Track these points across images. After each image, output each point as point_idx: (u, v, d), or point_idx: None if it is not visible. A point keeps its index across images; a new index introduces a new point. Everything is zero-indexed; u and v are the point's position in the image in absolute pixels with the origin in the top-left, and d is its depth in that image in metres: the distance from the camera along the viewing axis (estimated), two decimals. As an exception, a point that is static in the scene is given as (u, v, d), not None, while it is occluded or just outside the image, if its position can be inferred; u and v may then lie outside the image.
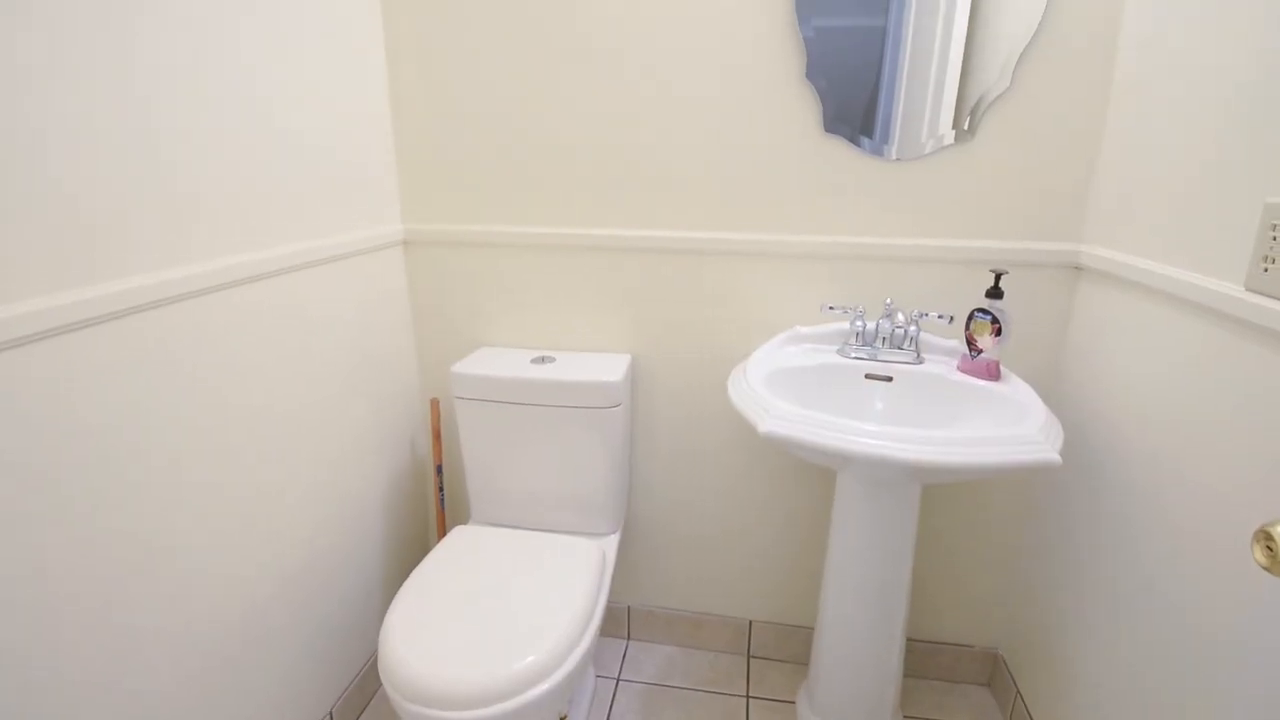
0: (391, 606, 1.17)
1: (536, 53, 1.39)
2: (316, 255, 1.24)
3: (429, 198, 1.53)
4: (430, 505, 1.78)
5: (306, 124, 1.21)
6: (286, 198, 1.17)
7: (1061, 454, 1.01)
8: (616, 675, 1.65)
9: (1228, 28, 0.94)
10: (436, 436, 1.62)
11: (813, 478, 1.55)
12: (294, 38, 1.16)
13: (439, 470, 1.64)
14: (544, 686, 1.04)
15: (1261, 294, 0.84)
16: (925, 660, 1.62)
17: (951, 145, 1.29)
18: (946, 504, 1.52)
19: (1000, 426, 1.11)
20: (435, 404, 1.61)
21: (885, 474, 1.13)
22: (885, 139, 1.31)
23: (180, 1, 0.93)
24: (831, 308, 1.34)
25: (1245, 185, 0.89)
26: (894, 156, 1.32)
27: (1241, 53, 0.91)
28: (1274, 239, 0.83)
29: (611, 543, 1.48)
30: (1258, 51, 0.88)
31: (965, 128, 1.28)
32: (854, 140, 1.32)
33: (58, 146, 0.78)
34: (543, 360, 1.47)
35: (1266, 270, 0.84)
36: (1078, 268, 1.31)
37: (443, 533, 1.67)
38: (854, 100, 1.30)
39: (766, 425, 1.05)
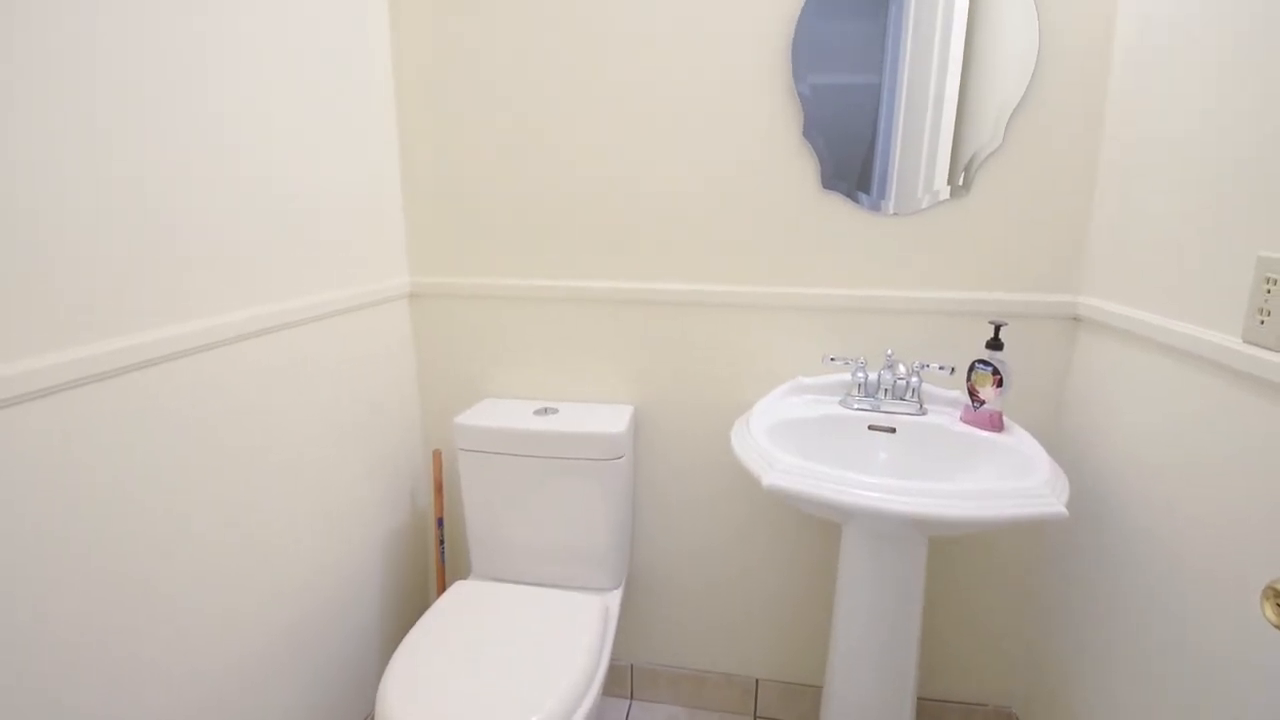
0: (390, 663, 1.14)
1: (542, 111, 1.44)
2: (325, 309, 1.26)
3: (436, 251, 1.56)
4: (430, 558, 1.75)
5: (320, 182, 1.24)
6: (297, 253, 1.19)
7: (1068, 505, 1.01)
8: (619, 737, 1.61)
9: (1216, 83, 0.97)
10: (438, 489, 1.61)
11: (819, 529, 1.54)
12: (307, 97, 1.21)
13: (440, 523, 1.62)
14: (545, 749, 1.01)
15: (1259, 346, 0.85)
16: (937, 721, 1.57)
17: (947, 200, 1.32)
18: (955, 555, 1.50)
19: (1005, 479, 1.11)
20: (438, 455, 1.61)
21: (891, 527, 1.12)
22: (882, 194, 1.34)
23: (186, 59, 0.97)
24: (833, 359, 1.35)
25: (1237, 238, 0.91)
26: (891, 211, 1.34)
27: (1230, 107, 0.94)
28: (1268, 292, 0.84)
29: (614, 598, 1.46)
30: (1246, 106, 0.91)
31: (960, 183, 1.31)
32: (852, 196, 1.35)
33: (66, 211, 0.80)
34: (546, 412, 1.48)
35: (1263, 323, 0.85)
36: (1076, 319, 1.32)
37: (442, 587, 1.64)
38: (851, 157, 1.33)
39: (770, 479, 1.05)
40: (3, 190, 0.73)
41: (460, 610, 1.30)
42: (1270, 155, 0.85)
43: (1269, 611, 0.62)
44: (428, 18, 1.44)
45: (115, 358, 0.85)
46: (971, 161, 1.29)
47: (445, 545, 1.70)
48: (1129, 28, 1.18)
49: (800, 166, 1.37)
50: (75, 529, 0.82)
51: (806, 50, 1.30)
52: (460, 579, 1.63)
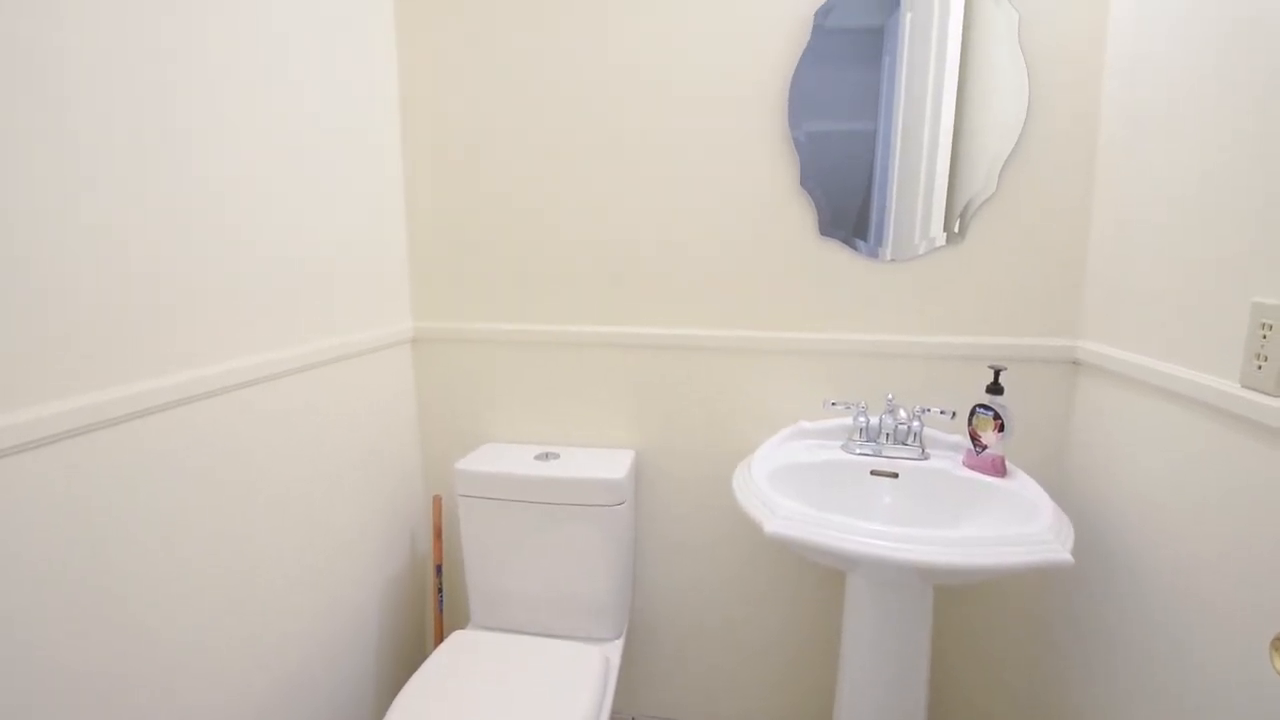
0: (387, 716, 1.12)
1: (545, 157, 1.47)
2: (328, 355, 1.27)
3: (438, 296, 1.58)
4: (428, 606, 1.73)
5: (327, 230, 1.26)
6: (302, 301, 1.21)
7: (1073, 549, 1.00)
8: (620, 794, 1.56)
9: (1205, 132, 0.99)
10: (437, 535, 1.60)
11: (823, 573, 1.52)
12: (314, 147, 1.24)
13: (439, 570, 1.60)
14: (543, 808, 0.98)
15: (1257, 391, 0.85)
16: (948, 777, 1.53)
17: (944, 246, 1.34)
18: (962, 594, 1.47)
19: (1010, 525, 1.10)
20: (438, 501, 1.60)
21: (896, 576, 1.11)
22: (879, 241, 1.36)
23: (194, 106, 1.00)
24: (834, 403, 1.35)
25: (1233, 283, 0.92)
26: (889, 258, 1.36)
27: (1220, 157, 0.96)
28: (1264, 337, 0.85)
29: (615, 648, 1.43)
30: (1237, 153, 0.93)
31: (955, 230, 1.33)
32: (849, 243, 1.37)
33: (66, 265, 0.82)
34: (547, 457, 1.47)
35: (1260, 368, 0.85)
36: (1075, 363, 1.33)
37: (440, 636, 1.62)
38: (848, 205, 1.36)
39: (772, 526, 1.04)
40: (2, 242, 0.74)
41: (458, 661, 1.27)
42: (1263, 202, 0.87)
43: (1278, 663, 0.61)
44: (433, 70, 1.49)
45: (112, 406, 0.85)
46: (966, 209, 1.32)
47: (444, 593, 1.68)
48: (1117, 81, 1.21)
49: (798, 214, 1.39)
50: (75, 573, 0.81)
51: (803, 99, 1.34)
52: (459, 628, 1.61)
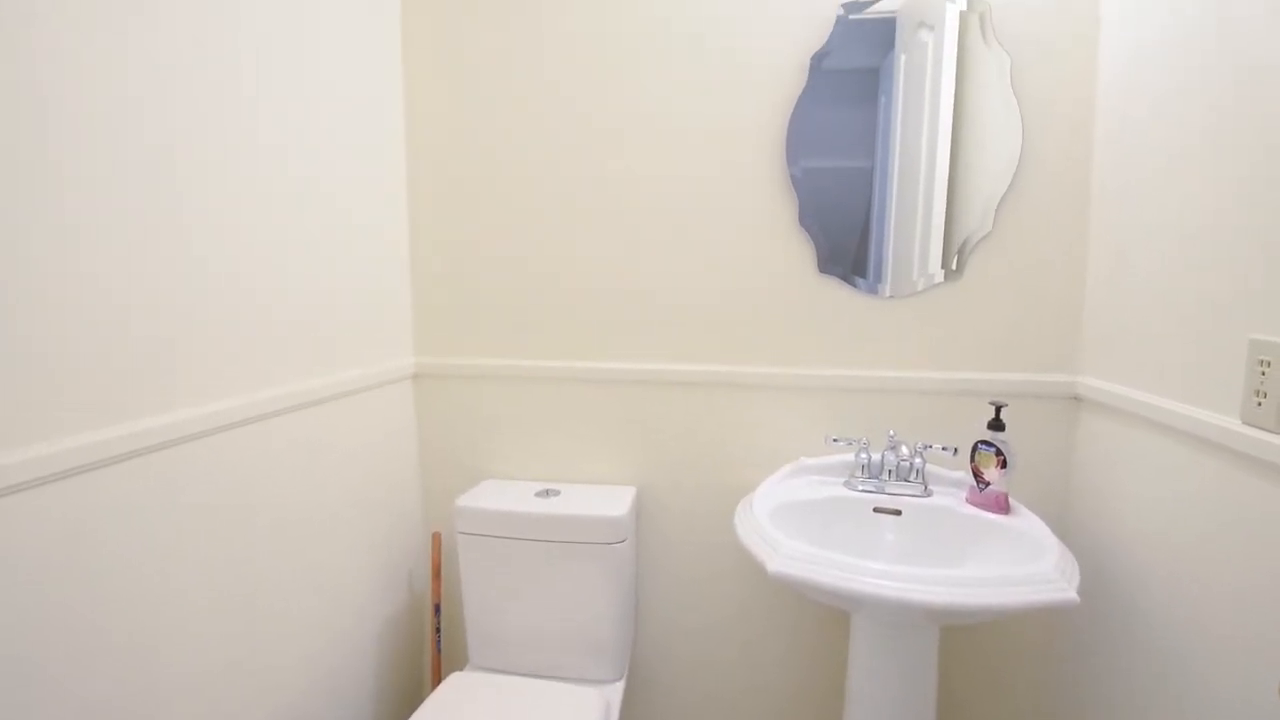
0: (381, 763, 1.10)
1: (547, 195, 1.49)
2: (331, 390, 1.27)
3: (441, 332, 1.58)
4: (426, 646, 1.70)
5: (333, 278, 1.28)
6: (306, 340, 1.21)
7: (1079, 587, 0.99)
8: (621, 843, 1.51)
9: (1201, 171, 1.00)
10: (436, 573, 1.58)
11: (827, 609, 1.49)
12: (317, 191, 1.25)
13: (437, 610, 1.58)
14: None
15: (1257, 427, 0.85)
16: (959, 825, 1.48)
17: (942, 283, 1.35)
18: (967, 636, 1.45)
19: (1015, 564, 1.08)
20: (437, 538, 1.58)
21: (902, 616, 1.09)
22: (878, 278, 1.37)
23: (193, 146, 1.02)
24: (835, 440, 1.35)
25: (1231, 320, 0.92)
26: (888, 294, 1.37)
27: (1214, 196, 0.97)
28: (1263, 374, 0.85)
29: (616, 691, 1.40)
30: (1233, 194, 0.94)
31: (953, 267, 1.34)
32: (848, 280, 1.38)
33: (78, 307, 0.83)
34: (547, 493, 1.46)
35: (1260, 404, 0.85)
36: (1076, 398, 1.33)
37: (438, 678, 1.59)
38: (846, 242, 1.37)
39: (775, 565, 1.03)
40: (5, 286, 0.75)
41: (457, 706, 1.25)
42: (1259, 240, 0.88)
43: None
44: (438, 107, 1.52)
45: (113, 445, 0.85)
46: (964, 245, 1.33)
47: (442, 633, 1.65)
48: (1110, 124, 1.23)
49: (798, 251, 1.41)
50: (75, 604, 0.81)
51: (801, 137, 1.36)
52: (457, 668, 1.58)
